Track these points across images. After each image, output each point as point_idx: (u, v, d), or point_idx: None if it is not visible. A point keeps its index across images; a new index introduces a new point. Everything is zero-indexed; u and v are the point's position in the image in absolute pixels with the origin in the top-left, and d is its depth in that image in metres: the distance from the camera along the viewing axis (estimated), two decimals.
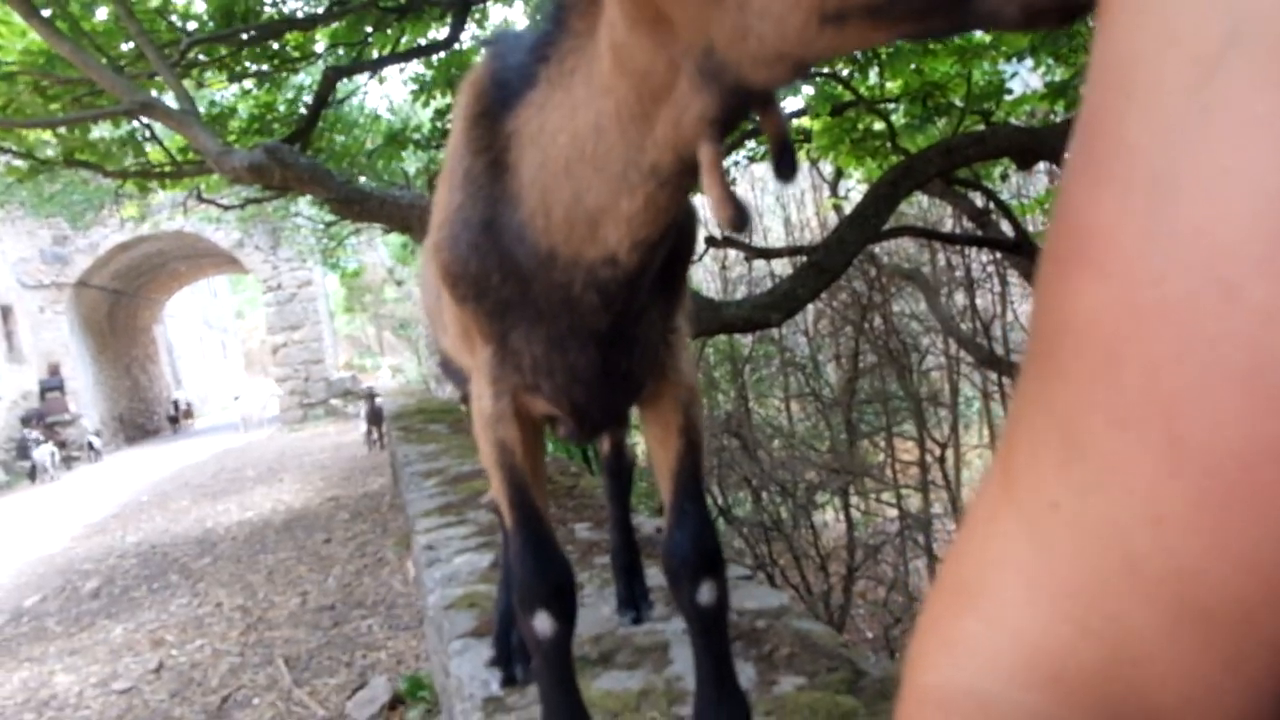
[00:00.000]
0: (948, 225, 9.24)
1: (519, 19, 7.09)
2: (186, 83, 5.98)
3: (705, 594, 1.03)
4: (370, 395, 11.88)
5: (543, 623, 1.05)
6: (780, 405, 9.48)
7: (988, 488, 0.38)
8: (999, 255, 8.68)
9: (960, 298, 9.22)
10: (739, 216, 0.72)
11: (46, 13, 4.72)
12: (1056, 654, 0.33)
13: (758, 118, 0.74)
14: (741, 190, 10.78)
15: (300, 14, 6.24)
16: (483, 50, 1.07)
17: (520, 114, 0.89)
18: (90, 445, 17.41)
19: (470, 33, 6.85)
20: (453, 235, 0.97)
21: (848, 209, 7.31)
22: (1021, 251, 7.04)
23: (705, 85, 0.72)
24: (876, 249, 8.23)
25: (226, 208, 9.48)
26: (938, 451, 8.28)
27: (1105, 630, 0.32)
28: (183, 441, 19.99)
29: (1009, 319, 9.89)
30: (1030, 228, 7.33)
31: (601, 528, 2.53)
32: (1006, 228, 7.23)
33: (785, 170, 0.73)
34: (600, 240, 0.86)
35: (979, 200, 7.64)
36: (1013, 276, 9.09)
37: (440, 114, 6.70)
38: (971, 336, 8.67)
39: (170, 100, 5.70)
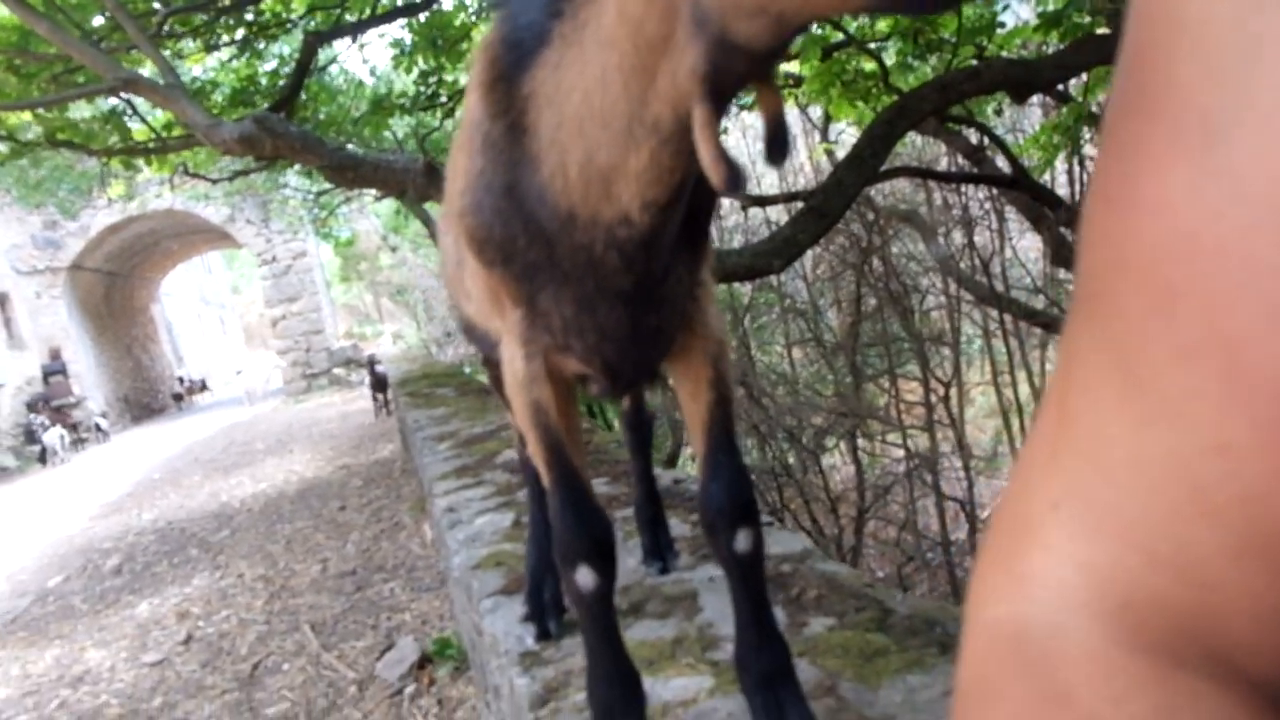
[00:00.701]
0: (943, 164, 9.17)
1: None
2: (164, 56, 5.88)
3: (742, 542, 1.05)
4: (372, 362, 11.89)
5: (585, 577, 1.07)
6: (783, 352, 9.50)
7: (1044, 427, 0.38)
8: (995, 192, 8.63)
9: (958, 236, 9.18)
10: (733, 179, 0.71)
11: None
12: (1125, 583, 0.34)
13: (755, 93, 0.73)
14: (733, 139, 10.68)
15: None
16: (492, 9, 1.06)
17: (536, 75, 0.89)
18: (98, 426, 17.50)
19: None
20: (476, 201, 0.97)
21: (840, 154, 7.25)
22: (1018, 187, 6.99)
23: (695, 36, 0.71)
24: (872, 191, 8.17)
25: (214, 181, 9.41)
26: (941, 391, 8.32)
27: (1173, 557, 0.33)
28: (189, 418, 20.06)
29: (1007, 255, 9.86)
30: (1026, 163, 7.27)
31: (618, 482, 2.56)
32: (1002, 163, 7.19)
33: (777, 154, 0.72)
34: (614, 199, 0.86)
35: (974, 137, 7.57)
36: (1010, 213, 9.05)
37: (425, 76, 6.62)
38: (971, 275, 8.66)
39: (152, 74, 5.64)
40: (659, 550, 1.80)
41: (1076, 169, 8.51)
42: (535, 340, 1.03)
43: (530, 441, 1.08)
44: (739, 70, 0.71)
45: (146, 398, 22.80)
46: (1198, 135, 0.31)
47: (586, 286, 0.95)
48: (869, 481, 7.77)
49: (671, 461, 6.87)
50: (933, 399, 8.21)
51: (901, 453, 7.93)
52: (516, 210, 0.93)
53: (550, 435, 1.06)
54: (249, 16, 6.34)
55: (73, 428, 16.61)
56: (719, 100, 0.73)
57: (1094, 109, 6.19)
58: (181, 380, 24.72)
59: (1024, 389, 9.56)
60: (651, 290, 0.96)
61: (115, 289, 21.61)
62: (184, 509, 8.09)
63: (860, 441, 7.98)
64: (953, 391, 8.49)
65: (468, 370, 9.65)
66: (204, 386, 25.37)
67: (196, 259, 28.89)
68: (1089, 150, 7.67)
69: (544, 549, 1.62)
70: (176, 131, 7.01)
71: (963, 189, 9.40)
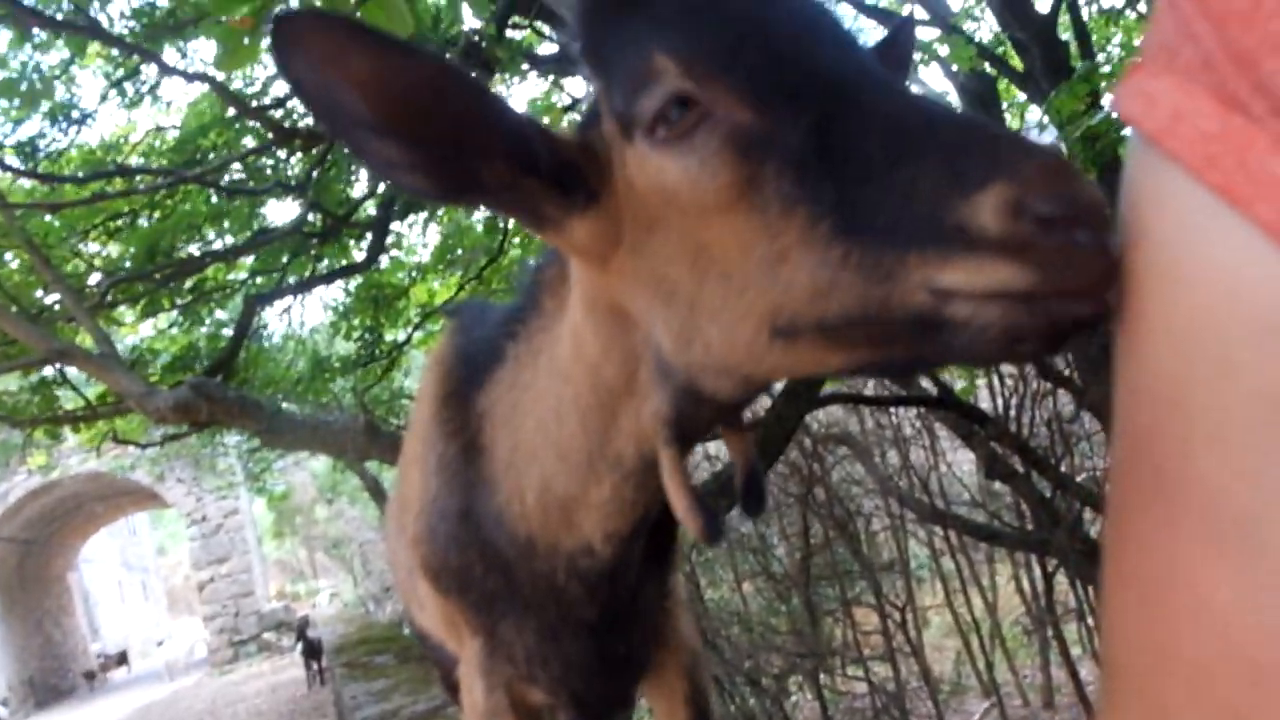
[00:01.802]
0: (870, 386, 9.52)
1: (433, 238, 7.33)
2: (103, 323, 5.93)
3: None
4: (303, 628, 11.20)
5: None
6: (733, 586, 9.29)
7: None
8: (925, 411, 8.93)
9: (894, 456, 9.36)
10: (711, 528, 0.68)
11: None
12: None
13: (724, 439, 0.72)
14: None
15: (221, 246, 6.34)
16: (445, 322, 1.06)
17: (490, 392, 0.87)
18: None
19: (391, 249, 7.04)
20: (430, 527, 0.93)
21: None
22: (946, 406, 7.26)
23: (660, 382, 0.69)
24: (807, 417, 8.37)
25: (144, 446, 9.20)
26: (898, 616, 8.15)
27: None
28: (101, 701, 18.43)
29: (943, 470, 10.04)
30: (948, 380, 7.59)
31: None
32: (927, 383, 7.49)
33: (754, 505, 0.71)
34: (575, 528, 0.83)
35: None
36: (941, 430, 9.32)
37: (364, 335, 6.76)
38: (911, 493, 8.75)
39: (88, 345, 5.64)
40: None
41: (998, 384, 8.91)
42: (496, 671, 0.96)
43: None
44: (705, 417, 0.70)
45: (55, 678, 20.99)
46: (1237, 540, 0.29)
47: (549, 616, 0.90)
48: None
49: None
50: (890, 625, 8.02)
51: (865, 686, 7.62)
52: (473, 536, 0.89)
53: None
54: (190, 283, 6.49)
55: None
56: (685, 443, 0.71)
57: None
58: (98, 655, 22.95)
59: (978, 603, 9.42)
60: (619, 617, 0.91)
61: (30, 558, 20.44)
62: None
63: (822, 677, 7.66)
64: (908, 615, 8.32)
65: (408, 631, 9.16)
66: (122, 660, 23.53)
67: (121, 521, 27.74)
68: (1006, 368, 8.07)
69: None
70: (108, 398, 6.94)
71: (893, 410, 9.70)
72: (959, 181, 0.49)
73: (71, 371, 6.90)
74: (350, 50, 0.60)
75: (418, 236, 7.46)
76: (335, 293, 6.89)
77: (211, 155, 5.70)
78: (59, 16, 3.12)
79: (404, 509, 1.03)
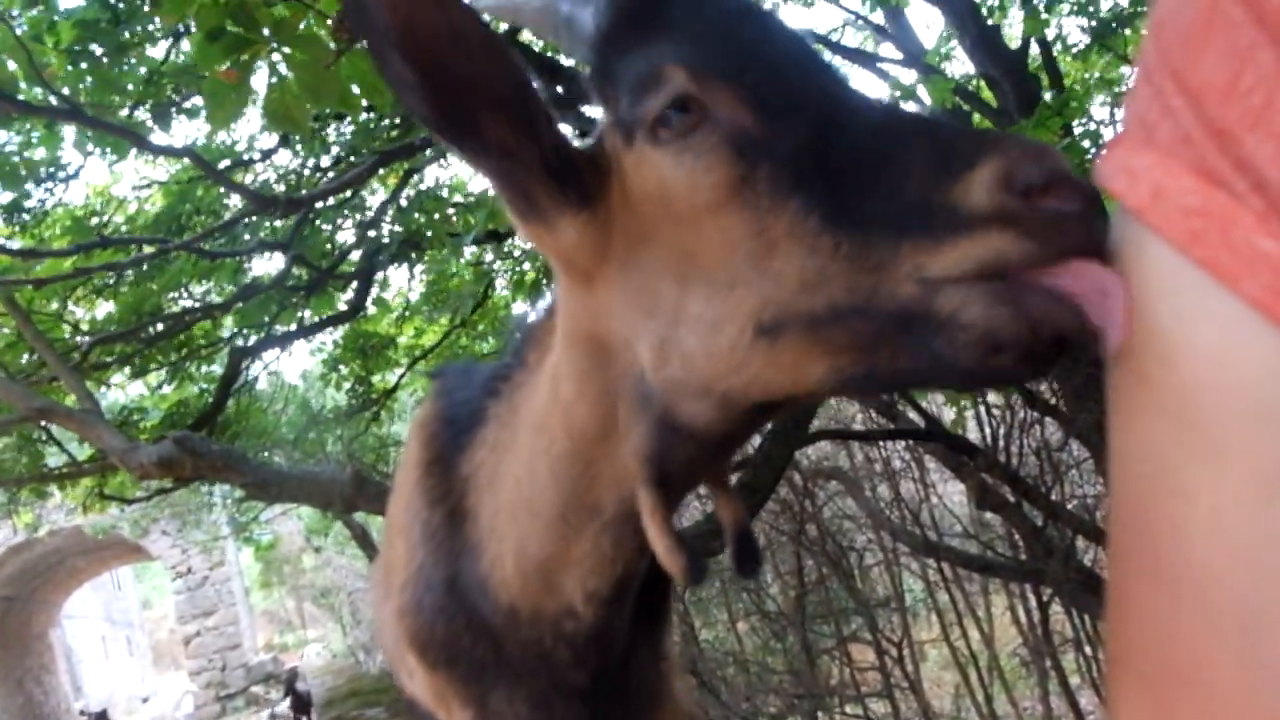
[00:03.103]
0: (859, 419, 9.52)
1: (418, 286, 7.34)
2: (90, 384, 5.89)
3: None
4: (291, 681, 10.98)
5: None
6: (728, 626, 9.20)
7: None
8: (912, 444, 8.93)
9: (885, 490, 9.35)
10: (694, 570, 0.68)
11: None
12: None
13: (711, 498, 0.72)
14: None
15: (209, 301, 6.33)
16: (429, 385, 1.06)
17: (474, 455, 0.87)
18: None
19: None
20: (416, 600, 0.92)
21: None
22: (934, 438, 7.27)
23: (639, 415, 0.69)
24: (797, 453, 8.36)
25: (130, 501, 9.09)
26: (895, 651, 8.09)
27: None
28: None
29: (934, 502, 10.03)
30: (934, 410, 7.62)
31: None
32: (915, 415, 7.51)
33: (748, 567, 0.71)
34: (555, 591, 0.82)
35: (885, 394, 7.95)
36: (930, 462, 9.32)
37: (354, 384, 6.73)
38: (903, 526, 8.73)
39: (72, 404, 5.59)
40: None
41: (985, 415, 8.93)
42: None
43: None
44: (686, 455, 0.69)
45: None
46: (1236, 629, 0.30)
47: (540, 683, 0.88)
48: None
49: None
50: (887, 661, 7.96)
51: None
52: (459, 606, 0.88)
53: None
54: (181, 337, 6.46)
55: None
56: (667, 488, 0.70)
57: None
58: (81, 713, 22.44)
59: (974, 636, 9.37)
60: (613, 682, 0.90)
61: (11, 615, 20.04)
62: None
63: (820, 716, 7.58)
64: (905, 651, 8.27)
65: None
66: (102, 719, 22.97)
67: (105, 575, 27.29)
68: (993, 399, 8.12)
69: None
70: (93, 454, 6.86)
71: (882, 444, 9.70)
72: (949, 166, 0.51)
73: (56, 429, 6.83)
74: None
75: (404, 282, 7.47)
76: (324, 340, 6.87)
77: (198, 215, 5.71)
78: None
79: (389, 576, 1.02)
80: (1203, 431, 0.31)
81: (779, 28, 0.66)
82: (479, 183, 6.16)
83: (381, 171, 5.85)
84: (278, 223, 5.74)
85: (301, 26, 2.58)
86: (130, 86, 3.68)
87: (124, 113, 4.22)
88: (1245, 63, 0.31)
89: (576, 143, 0.74)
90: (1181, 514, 0.31)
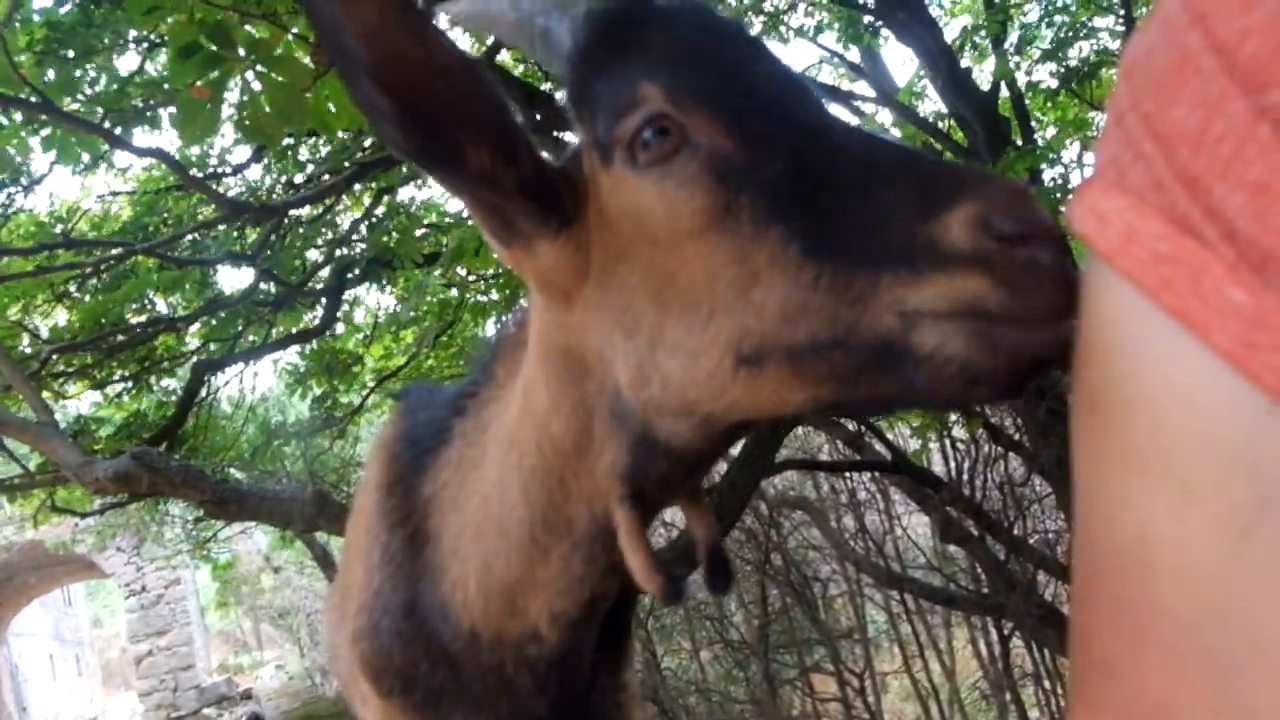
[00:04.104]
0: (825, 450, 9.56)
1: (389, 303, 7.29)
2: (46, 394, 5.77)
3: None
4: (251, 715, 10.51)
5: None
6: (691, 654, 9.15)
7: None
8: (878, 475, 8.98)
9: (849, 520, 9.38)
10: (672, 590, 0.67)
11: None
12: None
13: (684, 513, 0.72)
14: None
15: (173, 314, 6.23)
16: (391, 405, 1.04)
17: (437, 476, 0.86)
18: None
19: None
20: (373, 624, 0.89)
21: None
22: (900, 470, 7.31)
23: (615, 432, 0.68)
24: (763, 482, 8.37)
25: (84, 515, 8.88)
26: (856, 683, 8.09)
27: None
28: None
29: (898, 534, 10.07)
30: (906, 443, 7.68)
31: None
32: (881, 447, 7.55)
33: (720, 584, 0.70)
34: (520, 614, 0.80)
35: (851, 425, 7.99)
36: (895, 494, 9.37)
37: (319, 401, 6.65)
38: (867, 557, 8.75)
39: (26, 414, 5.47)
40: None
41: (949, 449, 9.01)
42: None
43: None
44: (662, 471, 0.69)
45: None
46: (1208, 678, 0.29)
47: (500, 711, 0.87)
48: None
49: None
50: (849, 692, 7.95)
51: None
52: (418, 631, 0.87)
53: None
54: (142, 350, 6.34)
55: None
56: (643, 505, 0.70)
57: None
58: None
59: (935, 668, 9.39)
60: (572, 711, 0.89)
61: None
62: None
63: None
64: (867, 682, 8.26)
65: None
66: None
67: (56, 592, 26.59)
68: (958, 433, 8.20)
69: None
70: (46, 465, 6.70)
71: (848, 474, 9.75)
72: (929, 203, 0.51)
73: (8, 439, 6.67)
74: (369, 2, 0.60)
75: (373, 301, 7.42)
76: (290, 357, 6.78)
77: (167, 224, 5.63)
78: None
79: (346, 600, 1.00)
80: (1170, 476, 0.31)
81: (758, 51, 0.66)
82: (453, 204, 6.15)
83: (357, 188, 5.81)
84: (248, 236, 5.68)
85: (279, 51, 2.56)
86: (91, 91, 3.64)
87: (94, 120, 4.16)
88: (1215, 112, 0.31)
89: (552, 163, 0.73)
90: (1148, 559, 0.31)
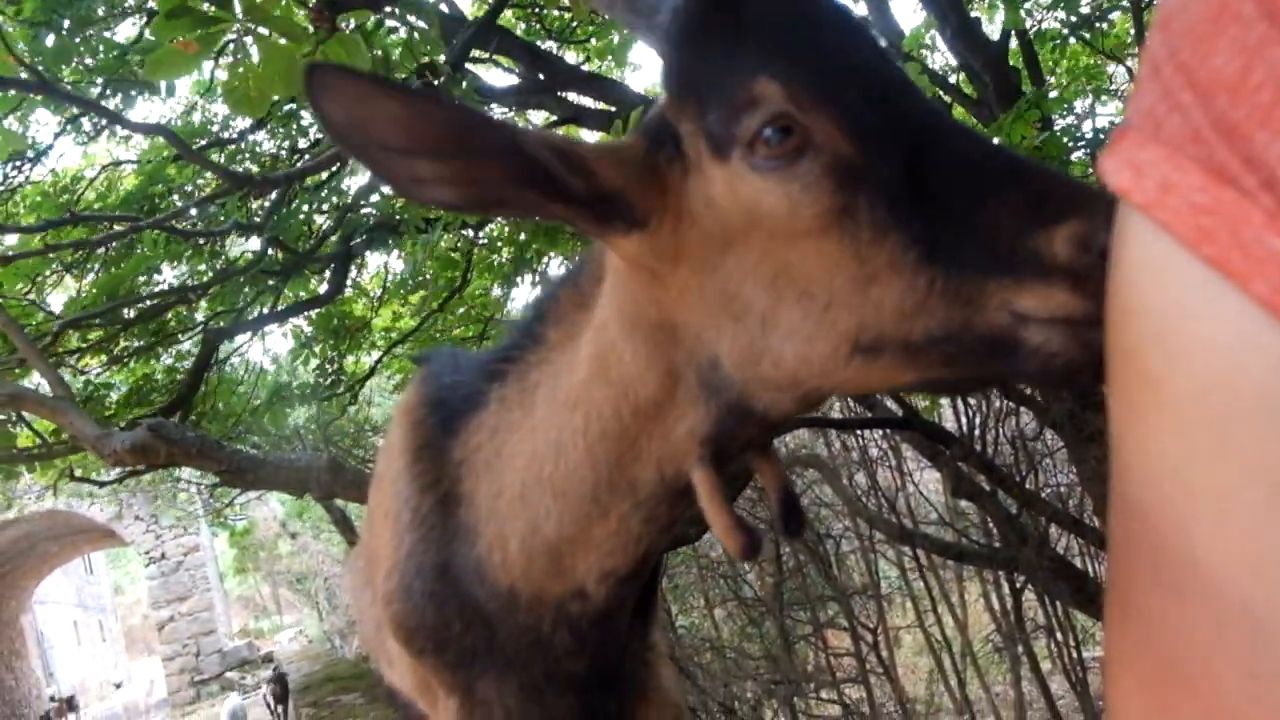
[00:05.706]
0: (837, 408, 9.59)
1: (397, 265, 7.28)
2: (61, 366, 5.81)
3: None
4: (277, 675, 10.64)
5: None
6: (705, 613, 9.26)
7: None
8: (889, 432, 9.00)
9: (862, 477, 9.42)
10: (750, 545, 0.69)
11: None
12: None
13: (753, 465, 0.73)
14: None
15: (184, 283, 6.23)
16: (414, 369, 1.04)
17: (470, 440, 0.86)
18: None
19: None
20: (404, 586, 0.89)
21: None
22: (911, 427, 7.31)
23: (703, 399, 0.70)
24: (776, 441, 8.41)
25: (102, 484, 8.98)
26: (870, 638, 8.17)
27: None
28: None
29: (910, 490, 10.13)
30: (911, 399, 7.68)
31: None
32: (892, 404, 7.56)
33: (795, 526, 0.72)
34: (566, 573, 0.81)
35: None
36: (907, 450, 9.39)
37: (325, 366, 6.67)
38: (879, 514, 8.80)
39: (42, 385, 5.51)
40: None
41: (961, 405, 9.02)
42: None
43: None
44: (750, 435, 0.71)
45: None
46: (1242, 630, 0.29)
47: (533, 672, 0.87)
48: None
49: None
50: (862, 647, 8.03)
51: (839, 710, 7.61)
52: (451, 591, 0.87)
53: None
54: (153, 324, 6.37)
55: None
56: (718, 464, 0.71)
57: None
58: (52, 699, 22.24)
59: (948, 622, 9.49)
60: (607, 672, 0.89)
61: None
62: None
63: (797, 702, 7.65)
64: (880, 637, 8.35)
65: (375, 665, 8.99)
66: (71, 705, 22.70)
67: (77, 560, 27.03)
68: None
69: None
70: (63, 436, 6.76)
71: (860, 432, 9.77)
72: (1038, 216, 0.55)
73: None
74: (376, 94, 0.62)
75: (380, 266, 7.40)
76: (297, 321, 6.79)
77: (169, 196, 5.62)
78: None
79: (372, 564, 1.00)
80: (1209, 431, 0.30)
81: (862, 33, 0.67)
82: None
83: None
84: (255, 204, 5.67)
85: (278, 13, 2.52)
86: (90, 61, 3.60)
87: (93, 91, 4.13)
88: (1255, 58, 0.30)
89: (626, 139, 0.73)
90: (1187, 515, 0.31)
